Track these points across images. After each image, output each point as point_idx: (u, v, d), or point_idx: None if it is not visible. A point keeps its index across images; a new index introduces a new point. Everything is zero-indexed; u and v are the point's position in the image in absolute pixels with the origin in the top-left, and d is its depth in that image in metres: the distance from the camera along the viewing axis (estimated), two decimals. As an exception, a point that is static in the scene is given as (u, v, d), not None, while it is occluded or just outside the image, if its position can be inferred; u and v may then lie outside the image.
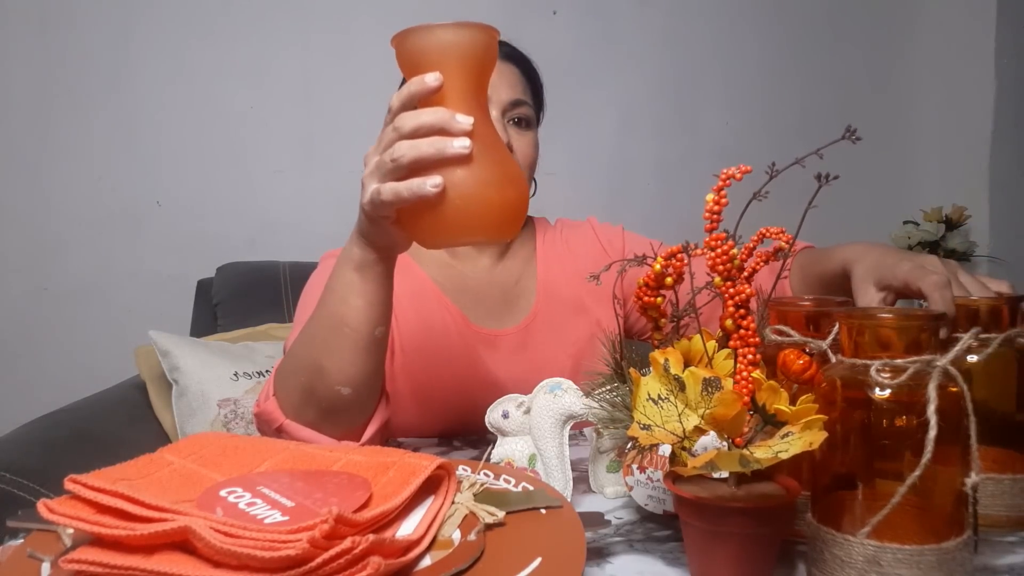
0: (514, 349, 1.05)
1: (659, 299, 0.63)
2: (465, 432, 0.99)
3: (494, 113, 0.97)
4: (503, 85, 0.99)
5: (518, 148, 0.99)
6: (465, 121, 0.61)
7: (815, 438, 0.46)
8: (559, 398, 0.67)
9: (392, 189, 0.62)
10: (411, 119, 0.62)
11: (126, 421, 1.41)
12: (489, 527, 0.52)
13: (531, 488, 0.59)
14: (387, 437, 0.99)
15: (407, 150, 0.61)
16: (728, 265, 0.52)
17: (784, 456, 0.46)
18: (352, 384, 0.74)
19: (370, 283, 0.72)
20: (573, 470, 0.67)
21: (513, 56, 1.04)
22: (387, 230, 0.68)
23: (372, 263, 0.71)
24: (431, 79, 0.61)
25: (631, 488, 0.65)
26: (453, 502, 0.55)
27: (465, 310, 1.04)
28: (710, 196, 0.53)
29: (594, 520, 0.57)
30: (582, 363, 1.05)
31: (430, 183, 0.60)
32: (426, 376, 1.00)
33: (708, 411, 0.50)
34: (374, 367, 0.75)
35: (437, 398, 1.00)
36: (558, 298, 1.08)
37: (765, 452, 0.47)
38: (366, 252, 0.71)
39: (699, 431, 0.51)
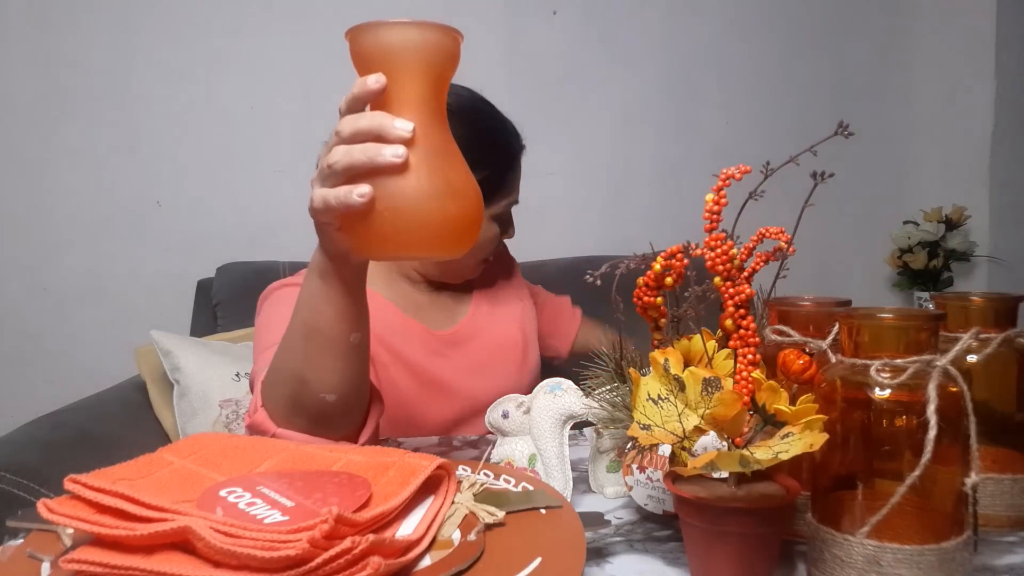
0: (462, 341, 1.09)
1: (659, 299, 0.63)
2: (464, 417, 1.04)
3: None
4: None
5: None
6: (404, 127, 0.57)
7: (816, 440, 0.46)
8: (559, 398, 0.67)
9: (321, 196, 0.59)
10: (350, 123, 0.58)
11: (126, 421, 1.41)
12: (489, 527, 0.52)
13: (531, 488, 0.59)
14: (383, 437, 1.00)
15: (341, 156, 0.58)
16: (728, 265, 0.52)
17: (784, 457, 0.46)
18: (336, 391, 0.71)
19: (335, 290, 0.68)
20: (573, 470, 0.67)
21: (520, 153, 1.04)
22: (333, 237, 0.64)
23: (332, 271, 0.67)
24: (372, 81, 0.57)
25: (631, 488, 0.65)
26: (453, 502, 0.55)
27: (419, 318, 1.06)
28: (710, 196, 0.53)
29: (594, 520, 0.57)
30: (528, 332, 1.15)
31: (356, 192, 0.56)
32: (401, 385, 1.02)
33: (708, 411, 0.50)
34: (355, 372, 0.73)
35: (421, 414, 1.03)
36: (490, 290, 1.16)
37: (765, 452, 0.47)
38: (324, 260, 0.67)
39: (699, 431, 0.51)
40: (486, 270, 1.13)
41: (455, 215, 0.58)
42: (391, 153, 0.56)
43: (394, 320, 1.04)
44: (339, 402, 0.72)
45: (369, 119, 0.58)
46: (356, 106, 0.59)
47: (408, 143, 0.57)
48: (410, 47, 0.58)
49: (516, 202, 1.04)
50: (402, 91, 0.58)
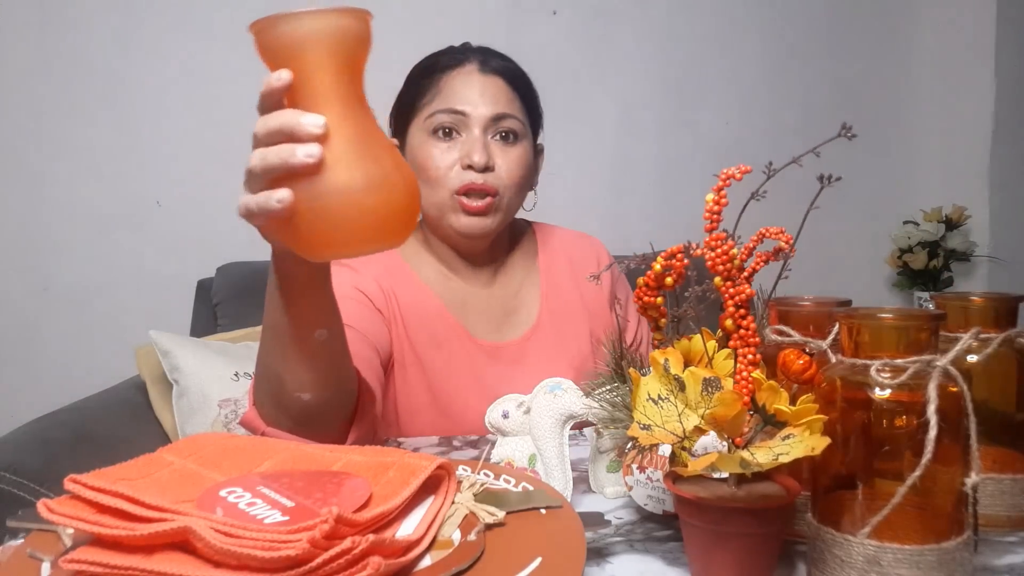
0: (514, 360, 1.05)
1: (659, 299, 0.63)
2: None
3: (475, 132, 0.95)
4: (482, 100, 0.96)
5: (501, 164, 0.96)
6: (314, 123, 0.54)
7: (817, 443, 0.46)
8: (559, 398, 0.67)
9: (243, 203, 0.57)
10: (262, 124, 0.56)
11: (126, 421, 1.41)
12: (489, 527, 0.52)
13: (531, 488, 0.59)
14: (383, 439, 0.99)
15: (257, 160, 0.55)
16: (728, 265, 0.52)
17: (785, 460, 0.46)
18: (310, 390, 0.69)
19: (293, 291, 0.66)
20: (573, 470, 0.67)
21: (497, 68, 1.00)
22: (270, 240, 0.62)
23: (285, 271, 0.66)
24: (275, 79, 0.55)
25: (631, 488, 0.65)
26: (453, 502, 0.55)
27: (466, 324, 1.04)
28: (710, 196, 0.53)
29: (594, 520, 0.57)
30: (582, 374, 1.03)
31: (275, 198, 0.54)
32: (434, 387, 1.00)
33: (708, 411, 0.50)
34: (328, 370, 0.70)
35: (444, 409, 1.01)
36: (561, 310, 1.09)
37: (766, 454, 0.47)
38: (275, 261, 0.66)
39: (699, 431, 0.51)
40: (560, 266, 1.09)
41: (382, 206, 0.55)
42: (304, 153, 0.53)
43: (436, 321, 1.01)
44: (315, 401, 0.70)
45: (279, 118, 0.55)
46: (268, 104, 0.56)
47: (321, 139, 0.54)
48: (312, 37, 0.54)
49: (458, 113, 0.96)
50: (311, 83, 0.55)
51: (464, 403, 1.00)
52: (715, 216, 0.53)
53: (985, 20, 2.30)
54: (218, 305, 1.72)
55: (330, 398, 0.72)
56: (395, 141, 0.64)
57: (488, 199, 0.96)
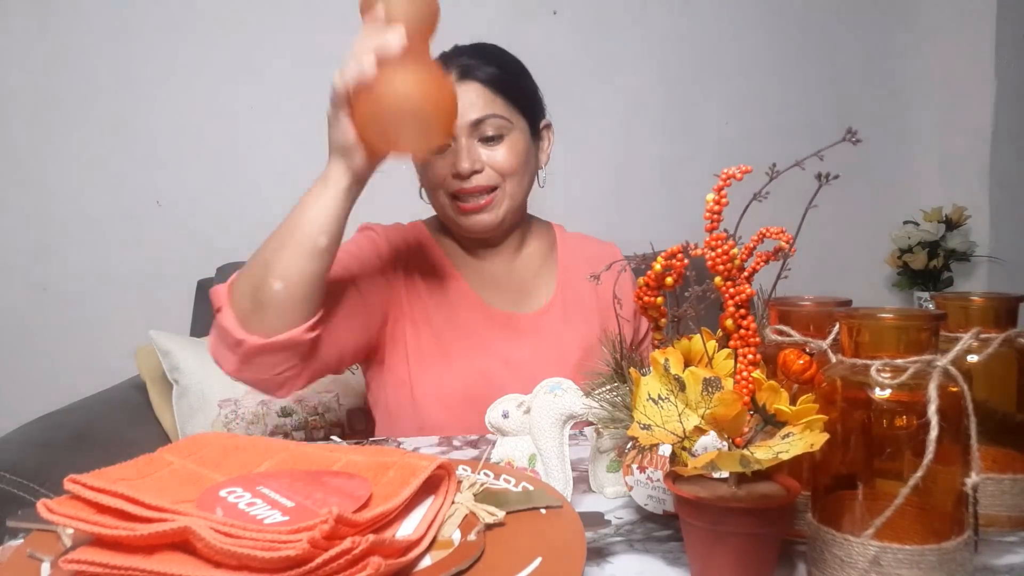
0: (528, 332, 1.11)
1: (659, 299, 0.63)
2: (479, 402, 1.04)
3: (461, 140, 1.03)
4: (461, 109, 1.00)
5: (489, 163, 1.03)
6: (398, 33, 0.76)
7: (816, 439, 0.46)
8: (559, 398, 0.67)
9: (339, 74, 0.78)
10: (363, 37, 0.79)
11: (126, 421, 1.41)
12: (489, 527, 0.52)
13: (531, 488, 0.59)
14: (383, 437, 1.01)
15: (357, 49, 0.77)
16: (728, 265, 0.52)
17: (785, 457, 0.46)
18: (286, 281, 0.84)
19: (328, 194, 0.85)
20: (573, 470, 0.67)
21: (475, 74, 1.04)
22: (343, 127, 0.82)
23: (334, 174, 0.85)
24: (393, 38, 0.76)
25: (631, 488, 0.65)
26: (453, 502, 0.55)
27: (482, 295, 1.11)
28: (710, 196, 0.53)
29: (594, 520, 0.57)
30: (590, 355, 1.07)
31: (365, 61, 0.75)
32: (444, 344, 1.07)
33: (708, 411, 0.50)
34: (311, 273, 0.85)
35: (452, 364, 1.06)
36: (574, 298, 1.15)
37: (766, 452, 0.47)
38: (332, 161, 0.85)
39: (699, 431, 0.51)
40: (577, 263, 1.15)
41: (437, 103, 0.79)
42: (394, 40, 0.75)
43: (452, 289, 1.10)
44: (283, 293, 0.84)
45: (373, 31, 0.78)
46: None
47: (402, 49, 0.76)
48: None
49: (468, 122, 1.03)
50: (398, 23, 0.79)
51: (471, 361, 1.06)
52: (715, 216, 0.53)
53: (985, 20, 2.30)
54: (218, 305, 1.72)
55: (295, 295, 0.85)
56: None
57: (487, 197, 1.04)
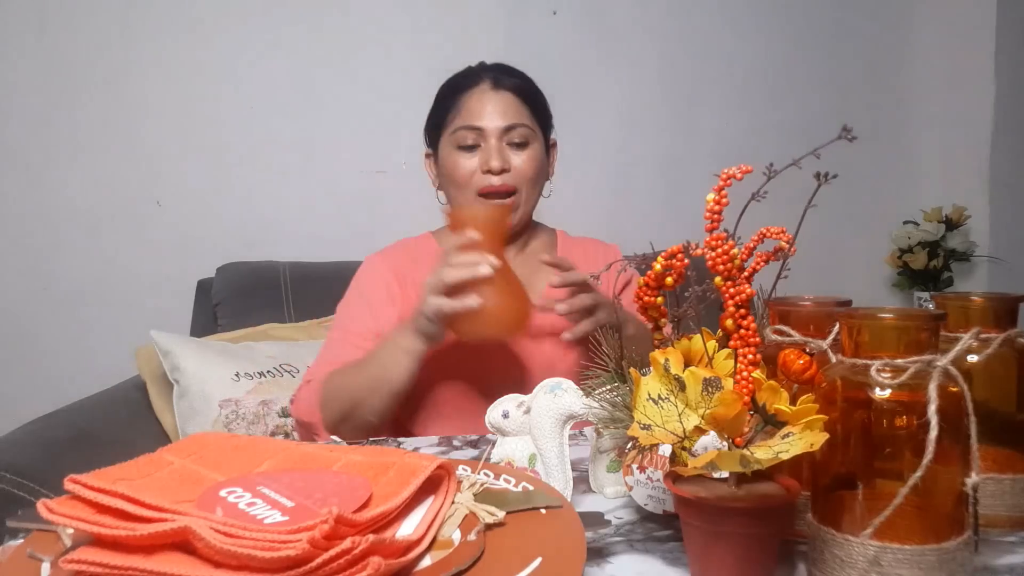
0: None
1: (659, 299, 0.63)
2: (479, 393, 1.11)
3: (492, 142, 1.14)
4: (496, 114, 1.14)
5: (516, 166, 1.15)
6: (493, 260, 0.92)
7: (816, 439, 0.46)
8: (559, 398, 0.67)
9: (438, 305, 0.94)
10: (457, 258, 0.95)
11: (126, 421, 1.41)
12: (489, 527, 0.52)
13: (531, 488, 0.59)
14: (383, 437, 1.05)
15: (455, 272, 0.93)
16: (729, 265, 0.52)
17: (785, 457, 0.46)
18: (378, 416, 1.03)
19: (416, 363, 1.01)
20: (573, 470, 0.67)
21: (506, 84, 1.17)
22: (442, 331, 0.98)
23: (421, 352, 1.00)
24: (487, 262, 0.93)
25: (631, 488, 0.65)
26: (453, 502, 0.55)
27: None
28: (711, 196, 0.53)
29: (594, 520, 0.57)
30: (587, 352, 1.11)
31: (469, 301, 0.92)
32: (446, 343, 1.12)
33: (708, 411, 0.50)
34: (395, 407, 1.05)
35: (464, 352, 1.10)
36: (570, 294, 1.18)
37: (766, 452, 0.47)
38: (418, 343, 0.99)
39: (699, 431, 0.51)
40: (575, 260, 1.19)
41: (513, 314, 0.97)
42: (487, 266, 0.92)
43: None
44: (378, 422, 1.04)
45: (471, 256, 0.94)
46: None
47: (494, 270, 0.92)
48: (483, 218, 0.99)
49: (476, 128, 1.14)
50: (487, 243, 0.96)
51: (470, 351, 1.11)
52: (716, 216, 0.53)
53: (985, 20, 2.30)
54: (218, 305, 1.72)
55: (383, 421, 1.05)
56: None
57: (510, 199, 1.15)
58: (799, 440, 0.47)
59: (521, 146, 1.16)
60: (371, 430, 1.05)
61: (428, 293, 0.95)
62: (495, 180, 1.13)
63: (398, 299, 1.17)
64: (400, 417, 1.13)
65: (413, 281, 1.18)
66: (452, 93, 1.18)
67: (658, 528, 0.63)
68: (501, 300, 0.94)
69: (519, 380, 1.11)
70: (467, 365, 1.11)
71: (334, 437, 1.10)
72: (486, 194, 1.14)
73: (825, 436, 0.46)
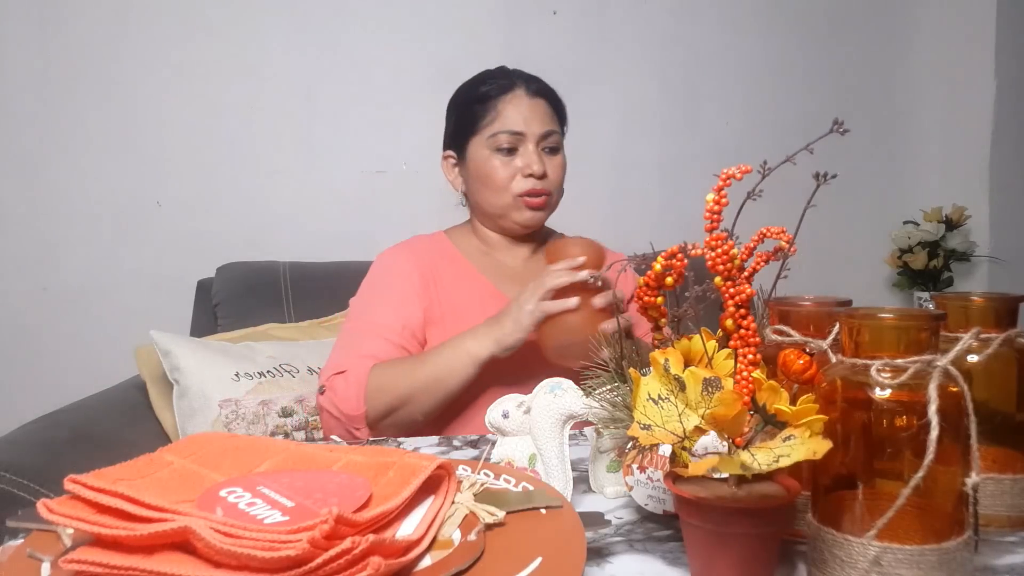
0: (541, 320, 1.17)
1: (659, 299, 0.63)
2: (493, 384, 1.13)
3: (530, 147, 1.18)
4: (533, 121, 1.19)
5: (550, 171, 1.20)
6: (595, 274, 0.88)
7: (819, 447, 0.45)
8: (559, 398, 0.67)
9: (543, 308, 1.00)
10: (562, 272, 1.00)
11: (126, 421, 1.41)
12: (489, 527, 0.52)
13: (531, 488, 0.59)
14: (382, 437, 1.04)
15: (565, 278, 0.99)
16: (728, 265, 0.52)
17: (786, 463, 0.46)
18: (427, 415, 1.07)
19: (478, 369, 1.05)
20: (573, 470, 0.67)
21: (539, 91, 1.22)
22: (521, 340, 1.03)
23: (487, 360, 1.04)
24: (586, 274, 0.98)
25: (631, 488, 0.65)
26: (453, 502, 0.55)
27: (499, 287, 1.23)
28: (710, 196, 0.53)
29: (594, 520, 0.57)
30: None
31: (571, 302, 0.99)
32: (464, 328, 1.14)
33: (708, 411, 0.50)
34: (442, 407, 1.08)
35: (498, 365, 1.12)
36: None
37: (766, 456, 0.47)
38: (490, 350, 1.04)
39: (699, 431, 0.51)
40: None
41: (590, 328, 0.95)
42: (589, 276, 0.95)
43: (472, 285, 1.22)
44: (423, 420, 1.07)
45: (573, 273, 1.00)
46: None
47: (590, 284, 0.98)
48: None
49: (517, 133, 1.17)
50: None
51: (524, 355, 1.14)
52: (715, 216, 0.53)
53: (985, 20, 2.30)
54: (218, 305, 1.72)
55: (429, 420, 1.08)
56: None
57: (543, 197, 1.20)
58: (800, 446, 0.47)
59: (554, 151, 1.21)
60: (413, 429, 1.07)
61: (530, 298, 1.00)
62: (536, 184, 1.18)
63: (422, 295, 1.19)
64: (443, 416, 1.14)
65: (435, 279, 1.21)
66: (484, 99, 1.20)
67: (658, 528, 0.63)
68: (590, 313, 1.00)
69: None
70: (507, 369, 1.12)
71: (334, 437, 1.10)
72: (527, 196, 1.18)
73: (828, 445, 0.45)
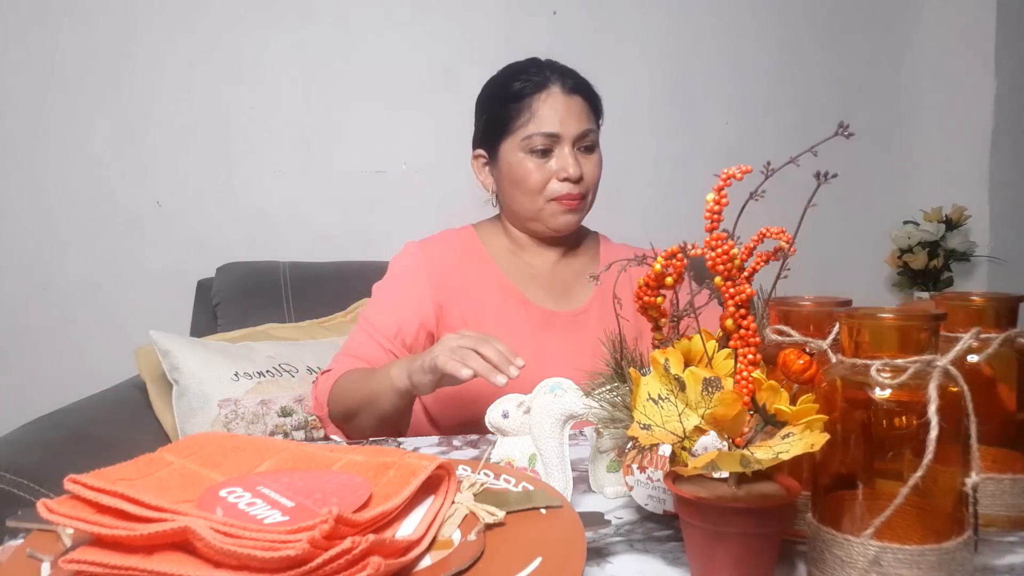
0: (566, 328, 1.17)
1: (659, 299, 0.63)
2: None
3: (566, 149, 1.13)
4: (569, 121, 1.13)
5: (586, 171, 1.15)
6: (518, 366, 0.85)
7: (816, 440, 0.46)
8: (559, 398, 0.67)
9: (443, 362, 0.88)
10: (488, 343, 0.89)
11: (126, 421, 1.41)
12: (489, 527, 0.52)
13: (531, 488, 0.59)
14: (382, 437, 1.05)
15: (485, 349, 0.88)
16: (728, 265, 0.52)
17: (785, 458, 0.46)
18: (375, 431, 1.06)
19: (403, 400, 1.00)
20: (573, 470, 0.67)
21: (574, 87, 1.16)
22: (428, 380, 0.93)
23: (408, 393, 0.98)
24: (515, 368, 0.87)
25: (631, 488, 0.65)
26: (453, 502, 0.55)
27: (524, 291, 1.19)
28: (710, 196, 0.53)
29: (594, 520, 0.57)
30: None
31: (464, 372, 0.86)
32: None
33: (708, 411, 0.50)
34: (392, 424, 1.06)
35: None
36: (612, 303, 1.18)
37: (766, 452, 0.47)
38: (407, 384, 0.96)
39: (699, 431, 0.51)
40: (617, 269, 1.22)
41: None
42: (512, 372, 0.85)
43: (495, 287, 1.18)
44: (377, 429, 1.06)
45: (501, 348, 0.87)
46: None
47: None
48: None
49: (552, 136, 1.12)
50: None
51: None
52: (715, 216, 0.53)
53: (985, 20, 2.30)
54: (218, 305, 1.72)
55: (383, 432, 1.07)
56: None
57: (579, 201, 1.16)
58: (799, 441, 0.47)
59: (590, 150, 1.16)
60: (378, 432, 1.07)
61: (444, 349, 0.90)
62: (572, 188, 1.13)
63: (428, 296, 1.16)
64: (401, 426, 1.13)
65: (454, 276, 1.17)
66: (518, 98, 1.14)
67: (658, 528, 0.63)
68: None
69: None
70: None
71: (334, 437, 1.11)
72: (562, 198, 1.14)
73: (826, 437, 0.46)
